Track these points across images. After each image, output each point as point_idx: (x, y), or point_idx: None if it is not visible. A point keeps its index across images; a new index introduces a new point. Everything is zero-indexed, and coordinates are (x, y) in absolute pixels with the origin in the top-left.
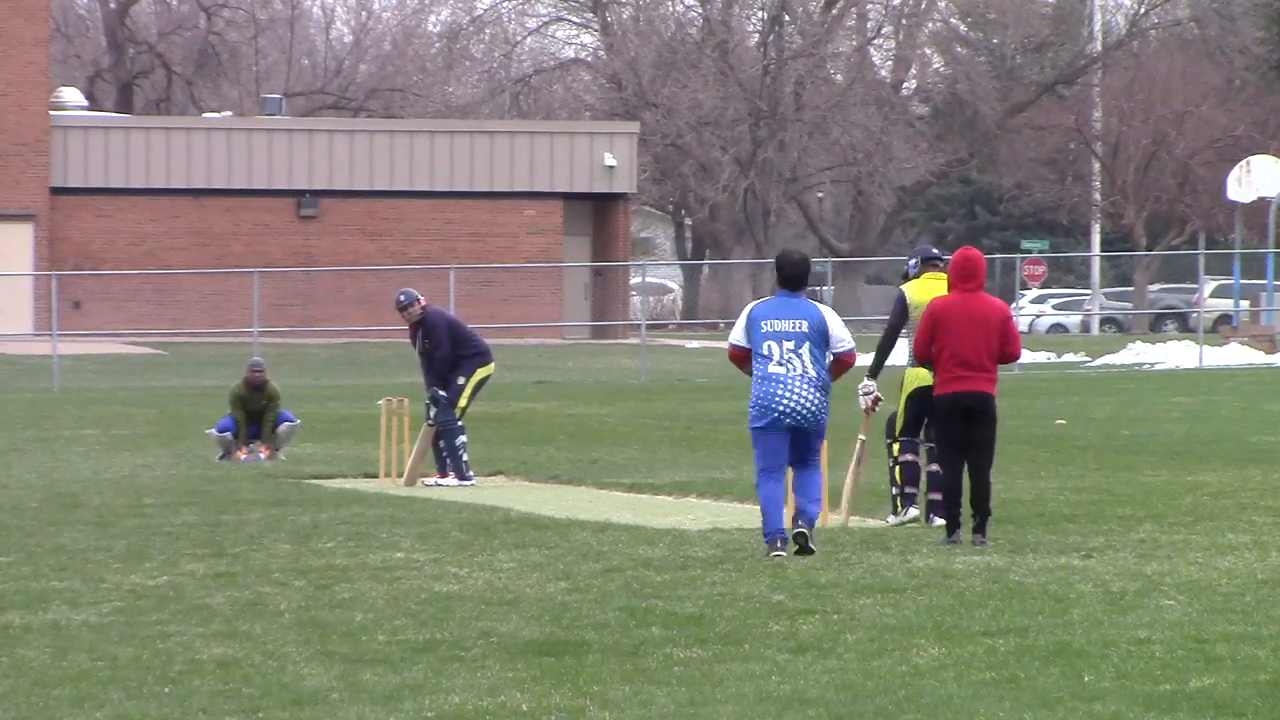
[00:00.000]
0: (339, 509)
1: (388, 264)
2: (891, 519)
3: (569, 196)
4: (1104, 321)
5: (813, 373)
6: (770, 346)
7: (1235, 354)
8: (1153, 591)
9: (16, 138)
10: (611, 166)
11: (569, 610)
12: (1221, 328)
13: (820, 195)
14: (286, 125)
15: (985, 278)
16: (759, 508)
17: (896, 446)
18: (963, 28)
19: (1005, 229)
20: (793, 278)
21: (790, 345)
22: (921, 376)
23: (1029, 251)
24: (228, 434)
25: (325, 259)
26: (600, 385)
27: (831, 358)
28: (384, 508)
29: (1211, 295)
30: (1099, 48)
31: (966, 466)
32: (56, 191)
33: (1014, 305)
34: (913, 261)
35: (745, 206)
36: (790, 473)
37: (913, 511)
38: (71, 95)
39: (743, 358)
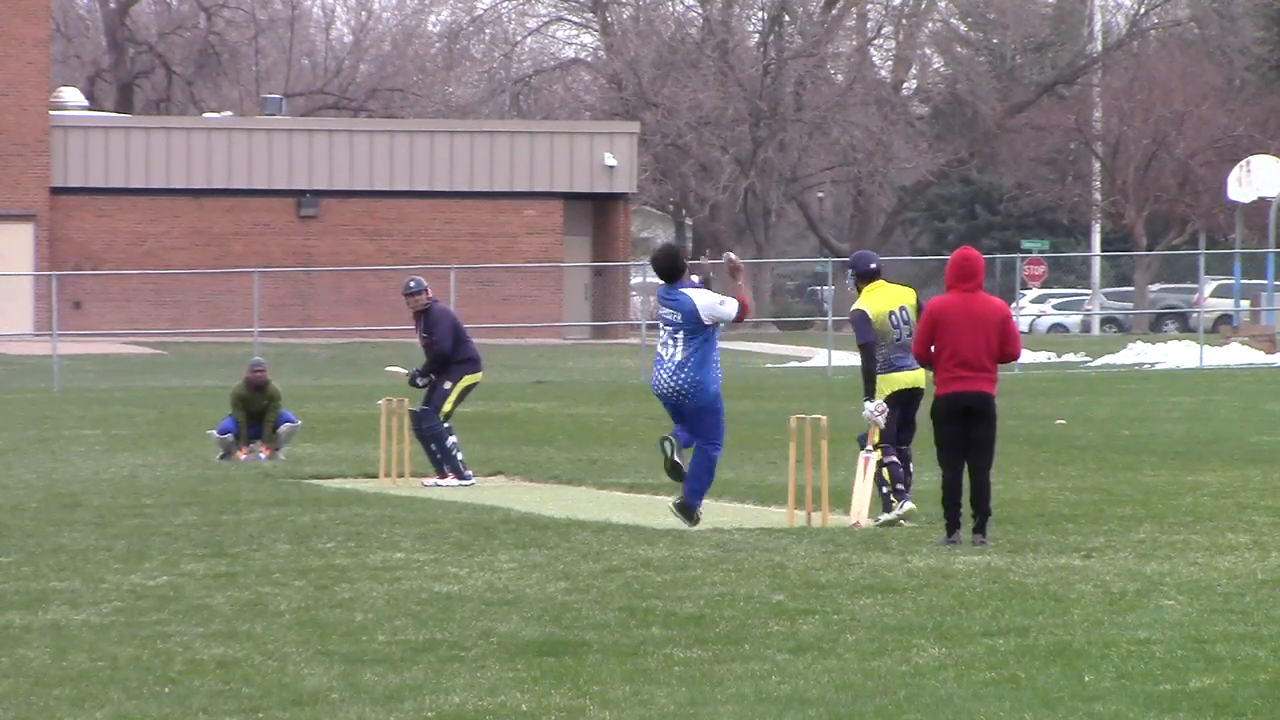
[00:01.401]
0: (339, 509)
1: (388, 264)
2: (885, 516)
3: (569, 196)
4: (1104, 321)
5: (679, 357)
6: (661, 332)
7: (1235, 354)
8: (1153, 591)
9: (16, 138)
10: (611, 166)
11: (569, 610)
12: (1222, 328)
13: (820, 195)
14: (286, 125)
15: (984, 277)
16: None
17: (879, 452)
18: (963, 28)
19: (1005, 229)
20: (663, 273)
21: (670, 331)
22: (893, 381)
23: (1029, 251)
24: (229, 435)
25: (325, 259)
26: (600, 385)
27: (729, 322)
28: (384, 508)
29: (1212, 295)
30: (1099, 48)
31: (966, 466)
32: (56, 191)
33: (1014, 305)
34: (848, 279)
35: (745, 206)
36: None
37: (908, 505)
38: (71, 95)
39: None
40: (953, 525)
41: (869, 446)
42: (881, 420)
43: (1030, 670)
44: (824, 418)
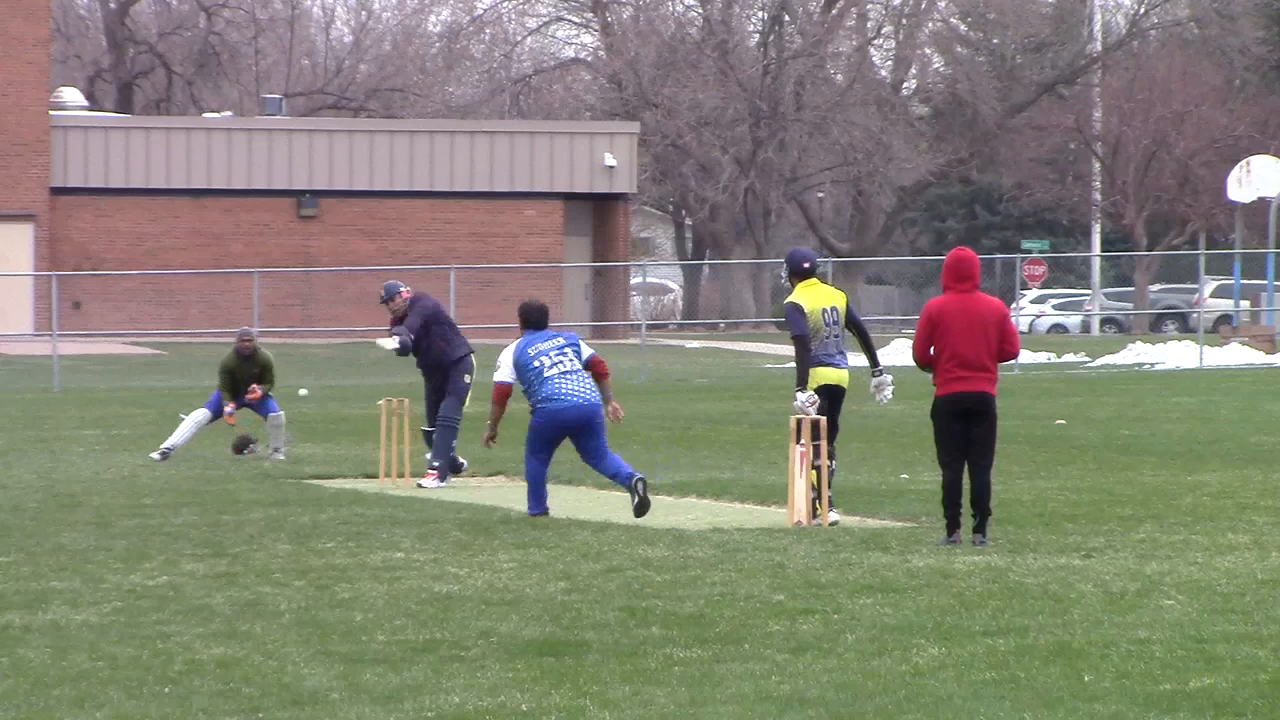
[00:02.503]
0: (339, 509)
1: (388, 264)
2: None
3: (569, 196)
4: (1104, 322)
5: (580, 368)
6: (546, 358)
7: (1235, 354)
8: (1153, 591)
9: (16, 138)
10: (611, 166)
11: (569, 610)
12: (1222, 328)
13: (820, 195)
14: (286, 125)
15: (980, 277)
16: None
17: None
18: (963, 28)
19: (1005, 229)
20: (539, 324)
21: (557, 350)
22: (821, 376)
23: (1029, 251)
24: (213, 415)
25: (325, 259)
26: None
27: None
28: (384, 508)
29: (1211, 295)
30: (1099, 48)
31: (967, 466)
32: (56, 191)
33: (1014, 305)
34: (783, 272)
35: (745, 206)
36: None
37: (833, 516)
38: (71, 95)
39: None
40: (953, 525)
41: (801, 441)
42: (812, 411)
43: (1030, 670)
44: (824, 418)
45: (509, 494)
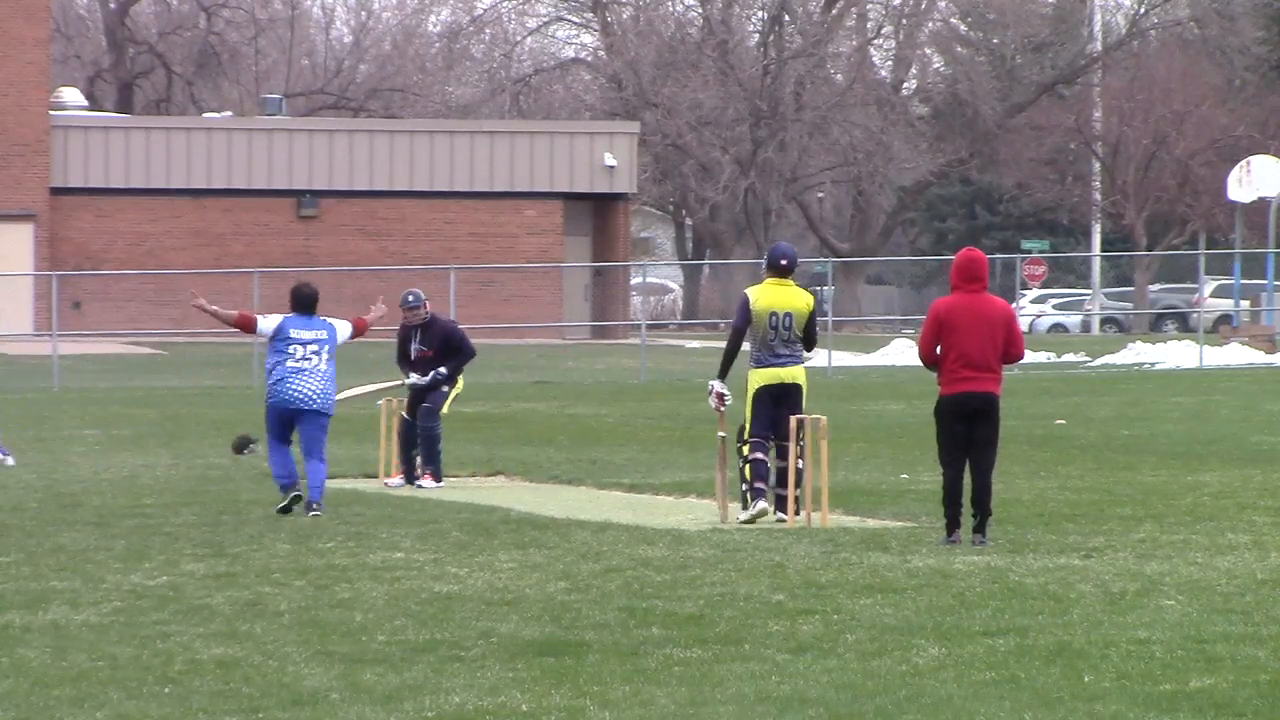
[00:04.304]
0: (339, 509)
1: (388, 264)
2: (741, 515)
3: (569, 196)
4: (1104, 321)
5: (324, 368)
6: (295, 349)
7: (1235, 354)
8: (1153, 591)
9: (16, 138)
10: (611, 166)
11: (569, 610)
12: (1222, 328)
13: (820, 195)
14: (286, 125)
15: (988, 278)
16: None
17: (746, 447)
18: (963, 28)
19: (1005, 229)
20: (307, 306)
21: (313, 349)
22: (763, 376)
23: (1029, 251)
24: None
25: (325, 259)
26: (600, 385)
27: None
28: (384, 508)
29: (1211, 295)
30: (1099, 48)
31: (969, 466)
32: (56, 191)
33: (1014, 305)
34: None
35: (745, 206)
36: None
37: (761, 504)
38: (71, 95)
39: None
40: (953, 525)
41: (722, 434)
42: (711, 401)
43: (1030, 670)
44: (824, 418)
45: (509, 494)
